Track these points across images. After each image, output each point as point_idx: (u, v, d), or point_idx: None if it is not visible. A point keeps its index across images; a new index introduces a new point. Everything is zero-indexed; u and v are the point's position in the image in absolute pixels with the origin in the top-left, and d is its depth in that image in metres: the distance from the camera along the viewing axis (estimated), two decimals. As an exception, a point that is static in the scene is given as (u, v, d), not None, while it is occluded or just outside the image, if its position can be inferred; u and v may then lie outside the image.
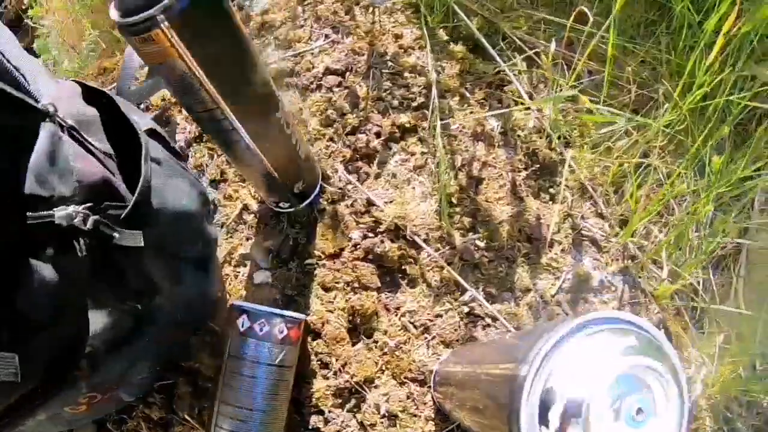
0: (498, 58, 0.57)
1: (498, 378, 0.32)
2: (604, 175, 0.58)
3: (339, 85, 0.56)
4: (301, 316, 0.47)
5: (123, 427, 0.55)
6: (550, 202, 0.54)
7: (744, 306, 0.57)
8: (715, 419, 0.55)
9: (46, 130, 0.33)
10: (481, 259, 0.52)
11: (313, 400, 0.50)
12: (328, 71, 0.57)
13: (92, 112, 0.42)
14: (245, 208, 0.54)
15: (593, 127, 0.58)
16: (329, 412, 0.50)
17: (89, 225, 0.34)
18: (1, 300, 0.30)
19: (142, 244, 0.39)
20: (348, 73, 0.57)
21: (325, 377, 0.50)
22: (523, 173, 0.54)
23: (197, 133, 0.59)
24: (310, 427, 0.50)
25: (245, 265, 0.53)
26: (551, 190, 0.54)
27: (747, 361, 0.56)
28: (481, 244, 0.52)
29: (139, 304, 0.43)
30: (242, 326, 0.45)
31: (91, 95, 0.42)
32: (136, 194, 0.39)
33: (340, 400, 0.50)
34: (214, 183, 0.56)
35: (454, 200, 0.52)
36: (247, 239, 0.54)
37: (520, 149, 0.55)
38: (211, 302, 0.51)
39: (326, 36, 0.59)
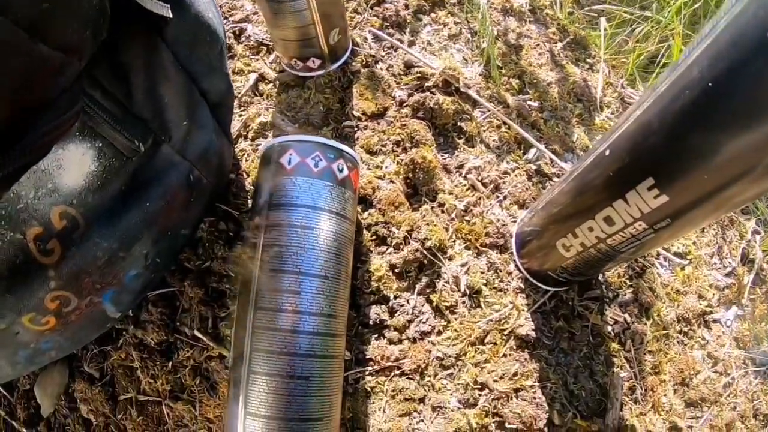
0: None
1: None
2: (625, 64, 0.57)
3: (354, -33, 0.52)
4: (357, 156, 0.37)
5: (105, 362, 0.39)
6: (590, 71, 0.52)
7: None
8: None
9: None
10: (537, 119, 0.46)
11: (372, 284, 0.38)
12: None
13: None
14: (261, 78, 0.45)
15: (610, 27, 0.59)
16: (395, 297, 0.38)
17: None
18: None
19: (170, 16, 0.29)
20: (363, -43, 0.53)
21: (384, 254, 0.39)
22: (559, 44, 0.52)
23: None
24: (371, 322, 0.38)
25: (265, 136, 0.43)
26: (588, 61, 0.52)
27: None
28: (534, 105, 0.47)
29: (141, 142, 0.31)
30: (289, 163, 0.33)
31: None
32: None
33: (406, 282, 0.39)
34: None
35: (498, 63, 0.48)
36: (267, 109, 0.44)
37: (550, 24, 0.53)
38: (226, 173, 0.40)
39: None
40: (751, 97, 0.19)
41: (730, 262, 0.50)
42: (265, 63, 0.46)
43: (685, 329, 0.46)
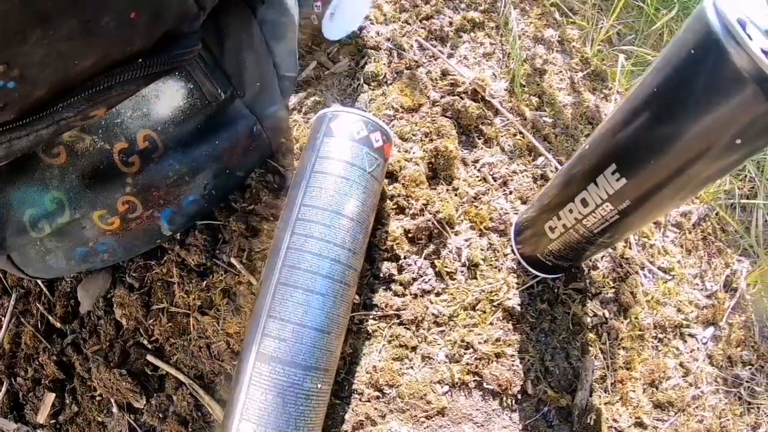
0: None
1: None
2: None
3: (410, -12, 0.61)
4: (392, 133, 0.44)
5: (147, 274, 0.46)
6: (604, 100, 0.58)
7: None
8: None
9: None
10: (549, 133, 0.53)
11: (387, 244, 0.45)
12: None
13: None
14: (319, 65, 0.53)
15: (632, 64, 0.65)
16: (405, 257, 0.45)
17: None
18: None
19: (264, 1, 0.38)
20: (419, -20, 0.61)
21: (401, 221, 0.46)
22: (580, 74, 0.59)
23: None
24: (381, 275, 0.45)
25: (317, 112, 0.51)
26: (605, 91, 0.59)
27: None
28: (549, 121, 0.54)
29: (223, 92, 0.40)
30: (338, 127, 0.41)
31: None
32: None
33: (416, 247, 0.46)
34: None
35: (522, 81, 0.55)
36: (321, 91, 0.52)
37: (575, 55, 0.60)
38: (281, 134, 0.48)
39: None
40: (676, 98, 0.26)
41: (712, 286, 0.55)
42: (324, 53, 0.54)
43: (661, 336, 0.50)
